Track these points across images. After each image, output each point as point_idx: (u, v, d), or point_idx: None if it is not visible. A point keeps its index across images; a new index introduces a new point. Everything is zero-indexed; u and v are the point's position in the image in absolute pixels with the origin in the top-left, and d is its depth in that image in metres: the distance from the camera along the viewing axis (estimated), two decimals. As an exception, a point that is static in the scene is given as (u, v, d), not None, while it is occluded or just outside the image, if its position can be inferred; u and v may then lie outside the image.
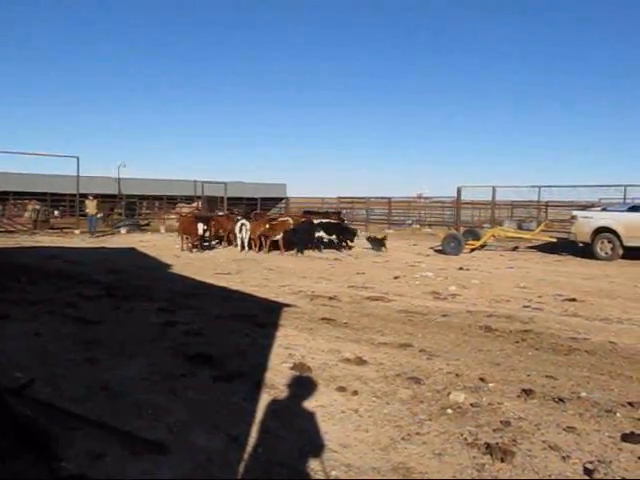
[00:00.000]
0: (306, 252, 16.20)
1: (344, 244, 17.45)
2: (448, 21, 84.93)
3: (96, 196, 23.91)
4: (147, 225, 28.24)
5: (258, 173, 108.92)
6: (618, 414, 4.12)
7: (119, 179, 32.87)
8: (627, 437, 3.69)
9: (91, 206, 23.02)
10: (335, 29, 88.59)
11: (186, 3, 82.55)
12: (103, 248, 17.65)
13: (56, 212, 28.59)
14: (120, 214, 29.33)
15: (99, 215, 25.30)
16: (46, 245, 18.21)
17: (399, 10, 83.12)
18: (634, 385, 4.81)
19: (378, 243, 17.40)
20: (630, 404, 4.31)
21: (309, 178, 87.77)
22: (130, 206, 31.30)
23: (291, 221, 17.24)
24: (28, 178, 29.03)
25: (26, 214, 26.06)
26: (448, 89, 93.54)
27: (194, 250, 16.86)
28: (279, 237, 16.42)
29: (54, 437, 3.51)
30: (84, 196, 25.89)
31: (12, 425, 3.58)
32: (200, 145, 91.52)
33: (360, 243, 17.99)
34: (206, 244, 17.90)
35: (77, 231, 23.08)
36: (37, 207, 26.21)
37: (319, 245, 17.13)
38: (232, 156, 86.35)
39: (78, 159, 24.61)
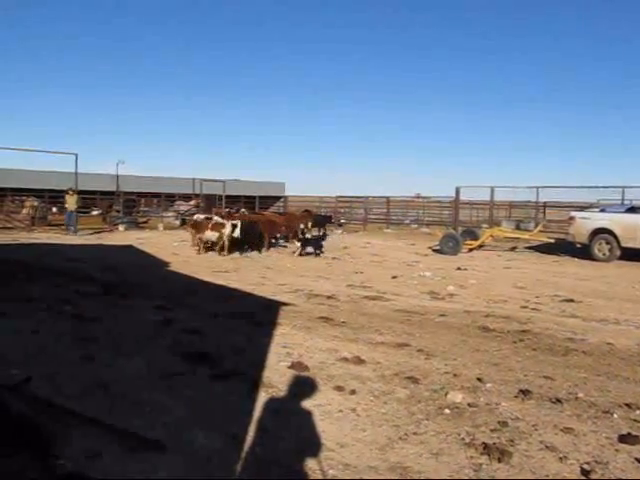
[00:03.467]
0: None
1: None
2: (447, 20, 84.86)
3: (75, 191, 22.84)
4: (145, 222, 28.19)
5: (257, 171, 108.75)
6: (615, 415, 4.13)
7: (117, 176, 32.78)
8: (624, 438, 3.69)
9: (71, 201, 22.27)
10: (333, 28, 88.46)
11: (186, 1, 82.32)
12: (101, 245, 17.62)
13: (54, 209, 28.48)
14: (118, 211, 29.25)
15: (95, 212, 25.12)
16: (43, 242, 18.18)
17: (398, 9, 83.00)
18: (631, 386, 4.81)
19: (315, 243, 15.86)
20: (627, 405, 4.31)
21: (308, 177, 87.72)
22: (128, 203, 31.23)
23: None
24: (26, 174, 28.90)
25: (24, 211, 25.98)
26: (447, 88, 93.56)
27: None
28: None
29: (51, 435, 3.50)
30: (83, 192, 25.79)
31: (9, 422, 3.58)
32: (199, 143, 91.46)
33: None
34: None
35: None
36: (35, 204, 26.14)
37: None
38: (231, 154, 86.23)
39: (77, 156, 24.47)
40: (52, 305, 7.63)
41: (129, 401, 4.21)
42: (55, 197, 27.10)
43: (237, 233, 15.15)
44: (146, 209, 33.98)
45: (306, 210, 24.55)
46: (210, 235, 15.29)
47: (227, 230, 14.96)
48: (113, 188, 31.38)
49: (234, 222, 15.42)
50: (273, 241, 17.73)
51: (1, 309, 7.14)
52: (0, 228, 23.03)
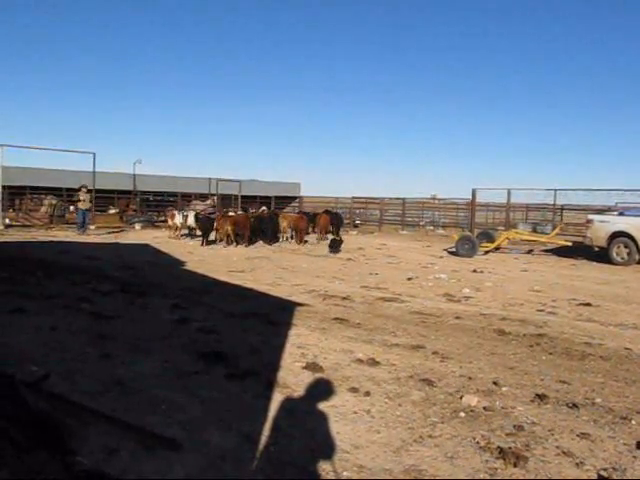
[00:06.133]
0: (318, 251, 16.19)
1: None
2: (462, 20, 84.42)
3: (89, 190, 22.76)
4: (164, 222, 28.38)
5: (273, 172, 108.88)
6: (633, 421, 4.08)
7: (134, 175, 33.01)
8: (642, 445, 3.65)
9: (85, 199, 22.12)
10: (347, 26, 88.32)
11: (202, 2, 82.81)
12: (117, 244, 17.79)
13: (72, 207, 28.83)
14: (135, 210, 29.50)
15: (112, 211, 25.27)
16: (62, 240, 18.38)
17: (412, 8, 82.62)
18: (650, 392, 4.76)
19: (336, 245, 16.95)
20: (645, 411, 4.26)
21: (323, 178, 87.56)
22: (145, 202, 31.48)
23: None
24: (45, 173, 29.19)
25: (42, 209, 26.32)
26: (464, 89, 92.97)
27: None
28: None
29: (69, 431, 3.54)
30: (101, 191, 25.99)
31: (28, 419, 3.63)
32: (216, 143, 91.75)
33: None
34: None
35: (92, 226, 23.22)
36: (53, 202, 26.46)
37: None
38: (248, 154, 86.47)
39: (94, 155, 24.82)
40: (70, 303, 7.72)
41: (145, 399, 4.25)
42: (73, 195, 27.44)
43: (190, 222, 19.71)
44: (162, 208, 34.24)
45: (326, 210, 24.54)
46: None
47: (177, 219, 20.30)
48: (130, 187, 31.64)
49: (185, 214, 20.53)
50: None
51: (20, 306, 7.24)
52: (19, 226, 23.36)
